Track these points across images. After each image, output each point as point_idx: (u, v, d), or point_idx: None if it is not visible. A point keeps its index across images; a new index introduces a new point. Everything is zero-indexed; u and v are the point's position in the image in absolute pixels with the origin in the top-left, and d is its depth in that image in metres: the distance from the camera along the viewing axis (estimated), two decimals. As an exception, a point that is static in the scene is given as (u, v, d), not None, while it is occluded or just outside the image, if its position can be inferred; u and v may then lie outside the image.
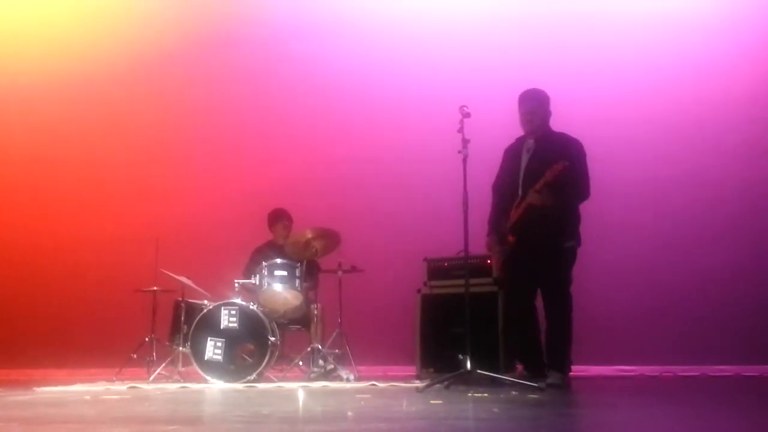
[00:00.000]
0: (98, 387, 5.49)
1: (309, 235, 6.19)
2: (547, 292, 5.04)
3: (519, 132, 5.27)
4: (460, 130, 4.96)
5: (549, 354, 5.01)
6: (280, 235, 6.66)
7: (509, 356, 5.75)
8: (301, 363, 6.18)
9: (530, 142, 5.17)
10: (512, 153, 5.28)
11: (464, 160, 4.95)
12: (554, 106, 5.24)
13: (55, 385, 5.63)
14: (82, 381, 5.99)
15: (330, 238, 6.25)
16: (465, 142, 4.96)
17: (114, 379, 6.13)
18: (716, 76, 7.49)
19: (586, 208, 5.14)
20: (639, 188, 7.35)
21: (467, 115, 4.96)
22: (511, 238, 5.06)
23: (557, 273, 4.97)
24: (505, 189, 5.21)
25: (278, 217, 6.71)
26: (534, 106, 5.16)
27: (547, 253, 4.94)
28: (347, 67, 8.10)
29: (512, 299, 5.30)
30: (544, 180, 4.82)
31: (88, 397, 4.58)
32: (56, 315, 7.87)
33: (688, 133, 7.39)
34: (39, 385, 5.55)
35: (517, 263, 5.13)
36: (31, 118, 8.38)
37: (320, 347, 6.01)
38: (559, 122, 5.27)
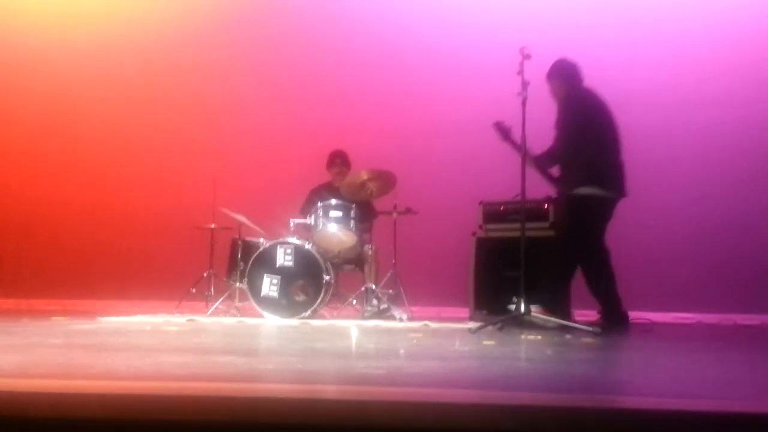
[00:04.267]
0: (158, 318, 5.65)
1: (365, 176, 6.19)
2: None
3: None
4: (520, 72, 4.87)
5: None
6: (336, 178, 6.66)
7: (564, 300, 5.73)
8: (354, 302, 6.24)
9: None
10: None
11: (523, 103, 4.86)
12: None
13: (117, 315, 5.81)
14: (143, 313, 6.18)
15: (385, 180, 6.23)
16: (525, 84, 4.87)
17: (173, 311, 6.30)
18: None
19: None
20: (701, 132, 7.13)
21: (528, 56, 4.87)
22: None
23: (563, 219, 5.30)
24: None
25: (333, 160, 6.70)
26: (551, 87, 5.43)
27: (564, 200, 5.31)
28: (404, 5, 7.97)
29: None
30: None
31: (148, 328, 4.73)
32: (120, 249, 8.08)
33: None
34: (102, 315, 5.74)
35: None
36: (96, 61, 8.51)
37: (374, 287, 6.05)
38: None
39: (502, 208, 6.06)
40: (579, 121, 5.20)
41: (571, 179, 5.21)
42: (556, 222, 5.47)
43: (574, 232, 5.17)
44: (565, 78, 5.38)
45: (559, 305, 5.04)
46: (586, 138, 5.16)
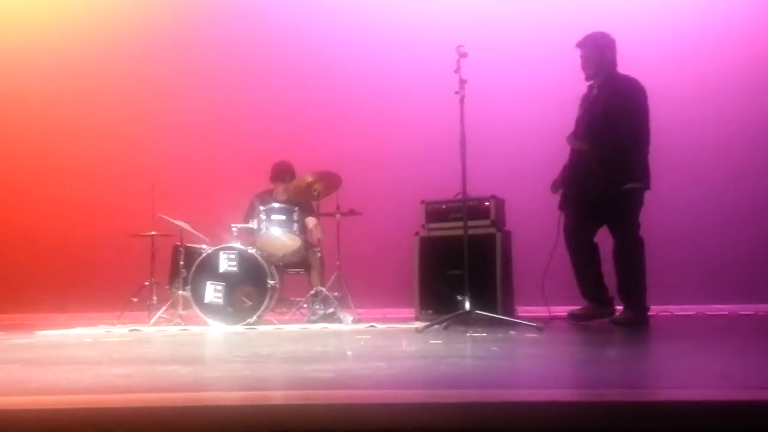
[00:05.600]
0: (99, 330, 5.53)
1: (309, 179, 6.16)
2: (613, 236, 4.99)
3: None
4: (457, 70, 4.92)
5: (620, 295, 4.97)
6: (279, 191, 6.56)
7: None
8: (302, 306, 6.20)
9: (594, 88, 5.14)
10: (582, 100, 5.23)
11: (461, 101, 4.91)
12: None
13: (57, 329, 5.66)
14: (84, 325, 6.04)
15: (330, 180, 6.22)
16: (462, 82, 4.93)
17: (115, 322, 6.17)
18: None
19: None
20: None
21: (464, 55, 4.92)
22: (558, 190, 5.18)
23: (619, 215, 4.93)
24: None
25: (281, 177, 6.51)
26: (584, 53, 5.11)
27: (607, 195, 4.88)
28: (344, 6, 7.96)
29: (567, 236, 5.13)
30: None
31: (88, 340, 4.62)
32: (57, 260, 7.88)
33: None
34: (40, 329, 5.59)
35: (576, 202, 5.10)
36: (34, 66, 8.31)
37: (320, 290, 6.03)
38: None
39: (444, 207, 6.12)
40: (638, 110, 4.94)
41: (624, 172, 4.86)
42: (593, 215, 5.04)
43: (636, 227, 4.93)
44: (604, 52, 5.07)
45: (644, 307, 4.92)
46: (643, 129, 4.93)
